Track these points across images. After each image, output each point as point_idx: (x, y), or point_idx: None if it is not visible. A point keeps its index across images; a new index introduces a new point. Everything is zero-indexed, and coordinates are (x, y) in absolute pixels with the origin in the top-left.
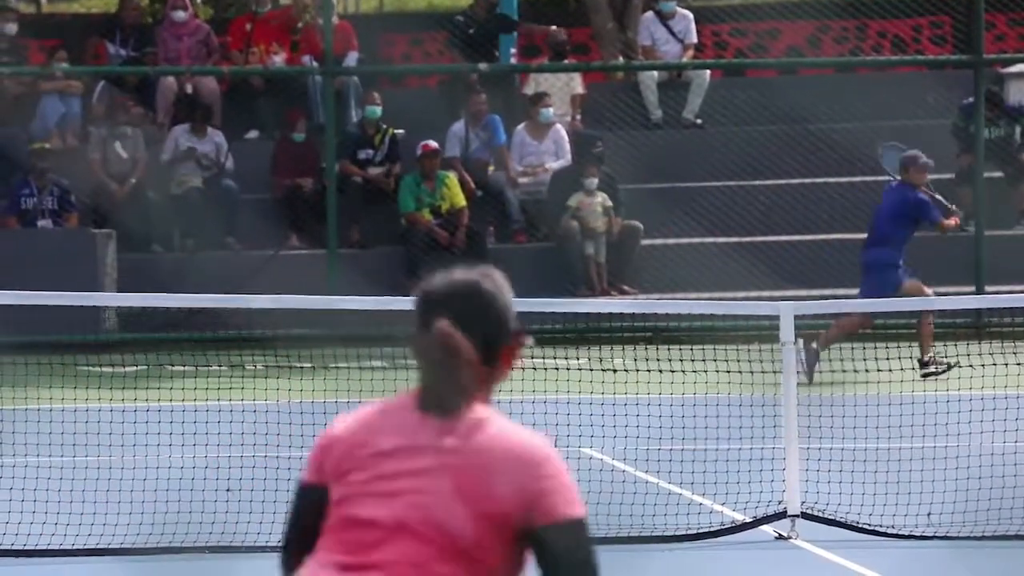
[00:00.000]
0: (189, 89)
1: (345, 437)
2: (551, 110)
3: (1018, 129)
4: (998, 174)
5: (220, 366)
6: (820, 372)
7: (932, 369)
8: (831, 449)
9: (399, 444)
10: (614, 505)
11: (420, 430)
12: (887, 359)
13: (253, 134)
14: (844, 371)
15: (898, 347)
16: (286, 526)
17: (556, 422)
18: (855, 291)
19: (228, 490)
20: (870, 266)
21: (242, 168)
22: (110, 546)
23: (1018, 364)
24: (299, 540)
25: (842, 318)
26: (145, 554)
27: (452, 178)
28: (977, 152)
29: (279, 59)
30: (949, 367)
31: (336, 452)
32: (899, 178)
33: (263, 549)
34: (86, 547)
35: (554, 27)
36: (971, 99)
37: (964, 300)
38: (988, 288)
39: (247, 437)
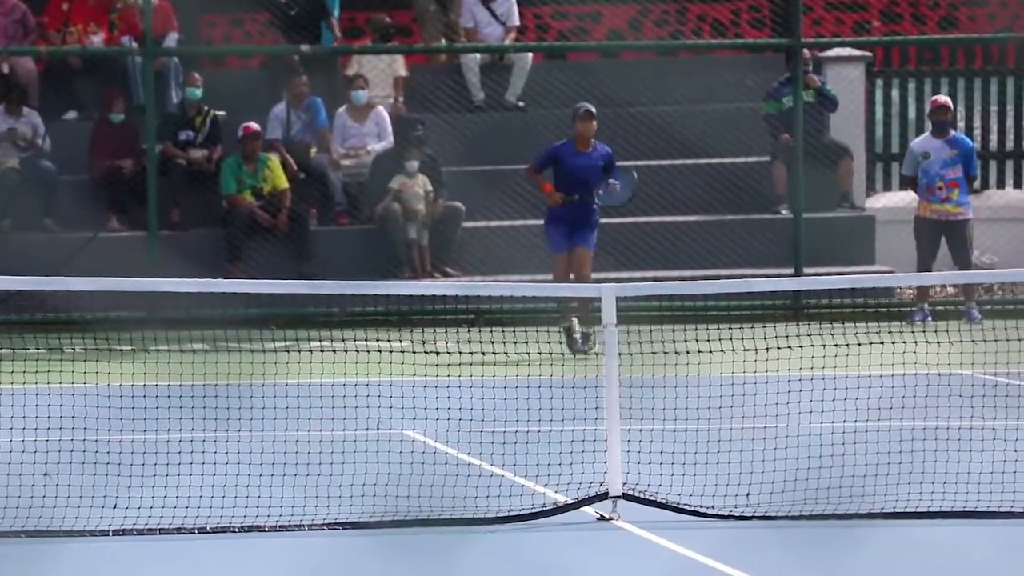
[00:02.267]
0: (5, 69)
1: None
2: (365, 92)
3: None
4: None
5: (38, 349)
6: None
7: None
8: (652, 431)
9: None
10: (436, 487)
11: None
12: (707, 340)
13: (71, 115)
14: (665, 353)
15: (718, 328)
16: None
17: (379, 404)
18: (676, 272)
19: (45, 474)
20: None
21: (60, 149)
22: None
23: (835, 345)
24: None
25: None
26: None
27: (274, 160)
28: (796, 135)
29: (97, 39)
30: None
31: None
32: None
33: (80, 533)
34: None
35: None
36: (776, 82)
37: (783, 282)
38: (806, 270)
39: (65, 420)
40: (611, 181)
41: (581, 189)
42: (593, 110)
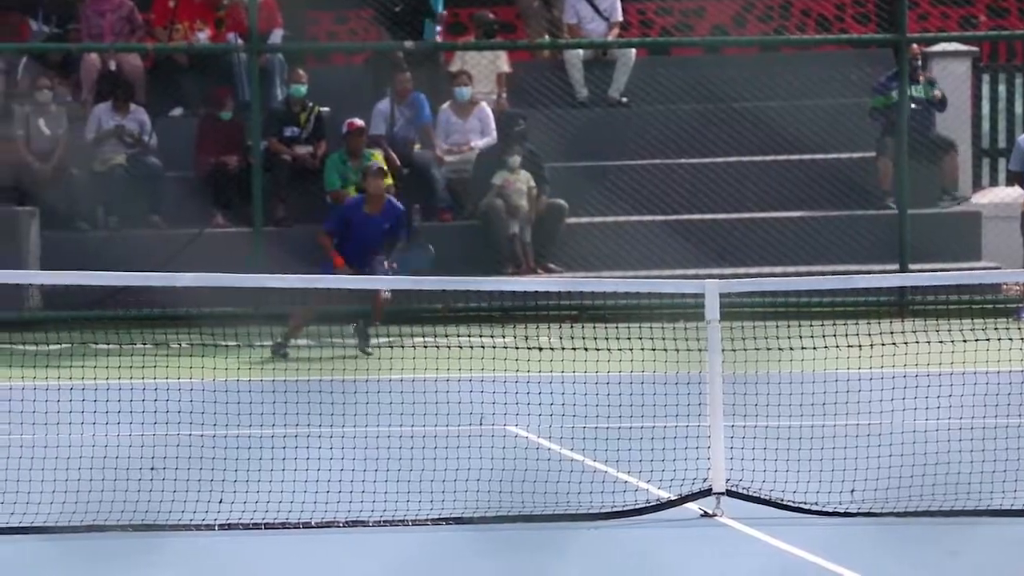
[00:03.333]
0: (112, 66)
1: None
2: (468, 89)
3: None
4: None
5: (144, 344)
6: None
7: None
8: (755, 427)
9: None
10: (540, 483)
11: None
12: (811, 336)
13: (177, 111)
14: (768, 349)
15: (822, 325)
16: None
17: (482, 400)
18: (779, 268)
19: (152, 468)
20: None
21: (166, 146)
22: (33, 524)
23: (940, 342)
24: None
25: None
26: (68, 532)
27: (378, 156)
28: (899, 131)
29: (203, 36)
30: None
31: None
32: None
33: (186, 527)
34: (8, 525)
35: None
36: (884, 77)
37: (888, 278)
38: (912, 266)
39: (171, 415)
40: (400, 248)
41: (364, 254)
42: (384, 168)
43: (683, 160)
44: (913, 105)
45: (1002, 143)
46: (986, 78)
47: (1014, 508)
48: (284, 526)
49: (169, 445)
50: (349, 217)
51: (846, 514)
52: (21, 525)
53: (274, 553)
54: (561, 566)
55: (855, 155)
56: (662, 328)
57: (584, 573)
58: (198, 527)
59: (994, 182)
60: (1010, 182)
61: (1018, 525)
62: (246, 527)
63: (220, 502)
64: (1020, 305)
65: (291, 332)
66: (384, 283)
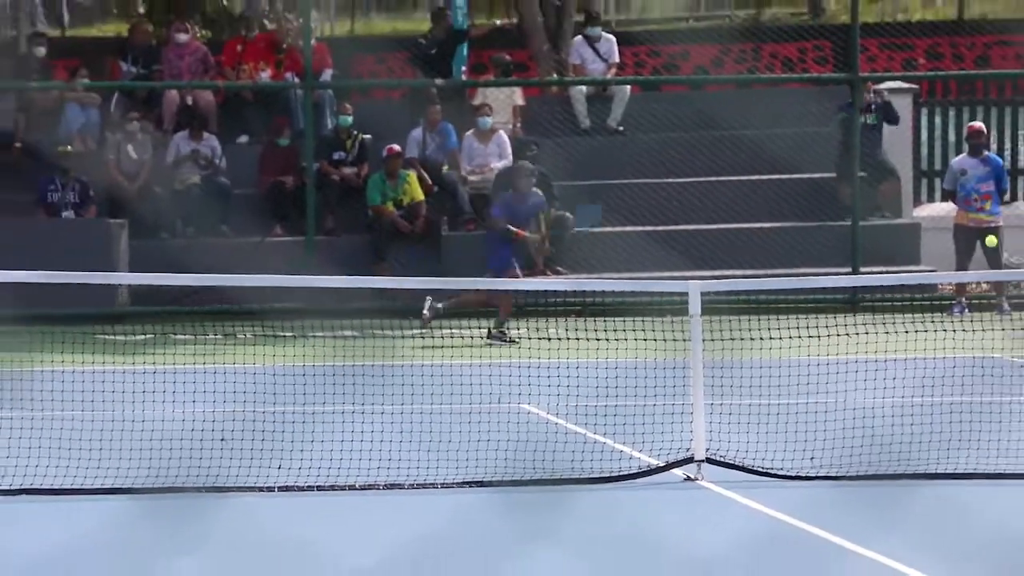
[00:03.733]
0: (189, 101)
1: None
2: (489, 119)
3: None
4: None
5: (216, 335)
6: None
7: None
8: (731, 405)
9: None
10: (549, 452)
11: None
12: (778, 329)
13: (243, 139)
14: (742, 339)
15: (787, 319)
16: None
17: (500, 382)
18: (751, 271)
19: (222, 439)
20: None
21: (234, 168)
22: (122, 486)
23: (886, 334)
24: None
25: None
26: (150, 492)
27: (412, 176)
28: (852, 156)
29: (265, 75)
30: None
31: None
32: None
33: (251, 489)
34: (101, 487)
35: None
36: (843, 103)
37: (842, 279)
38: (862, 269)
39: (237, 395)
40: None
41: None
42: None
43: (671, 179)
44: (870, 122)
45: (938, 166)
46: (925, 111)
47: (947, 472)
48: (332, 488)
49: (236, 420)
50: (512, 204)
51: (807, 477)
52: (112, 487)
53: (324, 512)
54: (567, 523)
55: (816, 175)
56: (652, 322)
57: (585, 529)
58: (260, 489)
59: (931, 199)
60: (944, 199)
61: (951, 487)
62: (300, 489)
63: (279, 468)
64: (952, 302)
65: (501, 317)
66: (416, 283)
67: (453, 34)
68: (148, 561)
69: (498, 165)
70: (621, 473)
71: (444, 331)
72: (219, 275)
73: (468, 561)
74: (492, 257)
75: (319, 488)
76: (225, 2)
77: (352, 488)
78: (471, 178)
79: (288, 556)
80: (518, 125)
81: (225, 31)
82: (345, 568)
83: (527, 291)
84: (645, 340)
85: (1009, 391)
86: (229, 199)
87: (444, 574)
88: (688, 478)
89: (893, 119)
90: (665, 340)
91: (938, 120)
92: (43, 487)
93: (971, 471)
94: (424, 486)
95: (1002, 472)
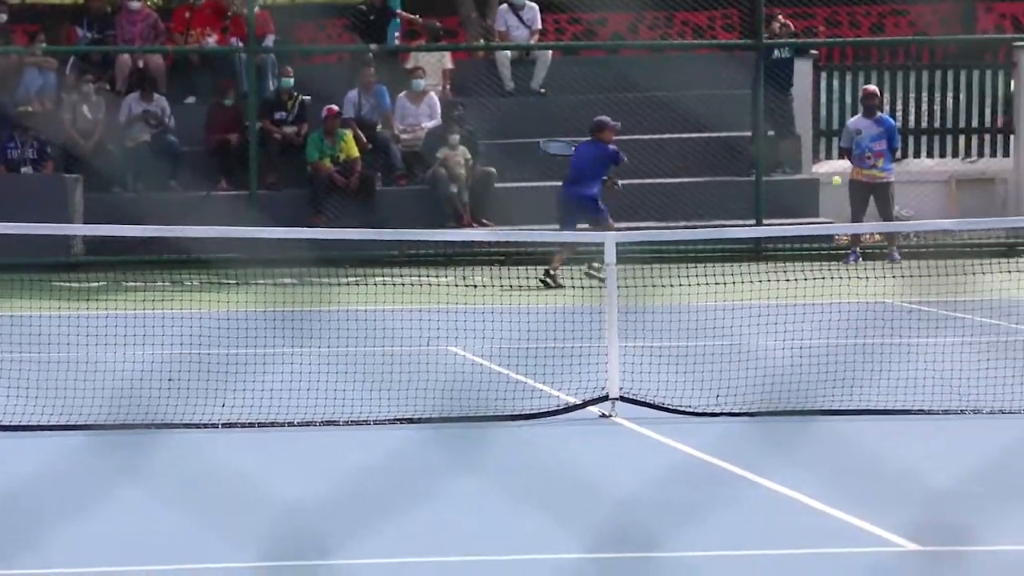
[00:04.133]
0: (141, 64)
1: None
2: (422, 81)
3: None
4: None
5: (164, 282)
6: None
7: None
8: (644, 347)
9: None
10: (474, 392)
11: None
12: (688, 276)
13: (191, 100)
14: (655, 286)
15: (696, 267)
16: None
17: (429, 326)
18: (664, 223)
19: (169, 380)
20: (576, 199)
21: (182, 127)
22: (77, 423)
23: (787, 281)
24: None
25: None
26: (103, 428)
27: (348, 135)
28: (756, 116)
29: (212, 40)
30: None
31: None
32: (569, 152)
33: (197, 426)
34: (59, 423)
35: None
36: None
37: (747, 230)
38: (766, 221)
39: (184, 338)
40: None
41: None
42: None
43: (588, 138)
44: (785, 55)
45: (835, 126)
46: (824, 75)
47: (842, 408)
48: (272, 425)
49: (183, 361)
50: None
51: (713, 414)
52: (68, 423)
53: (264, 446)
54: (491, 456)
55: (724, 134)
56: (571, 270)
57: (508, 462)
58: (205, 426)
59: (829, 156)
60: (840, 156)
61: (844, 422)
62: (242, 426)
63: (223, 406)
64: (848, 252)
65: (554, 265)
66: (351, 235)
67: (387, 3)
68: (102, 491)
69: (428, 124)
70: (541, 410)
71: (378, 279)
72: (168, 226)
73: (399, 492)
74: (590, 208)
75: (260, 424)
76: None
77: (291, 425)
78: (403, 136)
79: (230, 487)
80: (447, 87)
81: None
82: (284, 499)
83: (454, 242)
84: (563, 287)
85: (899, 333)
86: (177, 156)
87: (377, 504)
88: (603, 415)
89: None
90: (583, 287)
91: (836, 83)
92: (5, 424)
93: (862, 407)
94: (358, 422)
95: (889, 408)
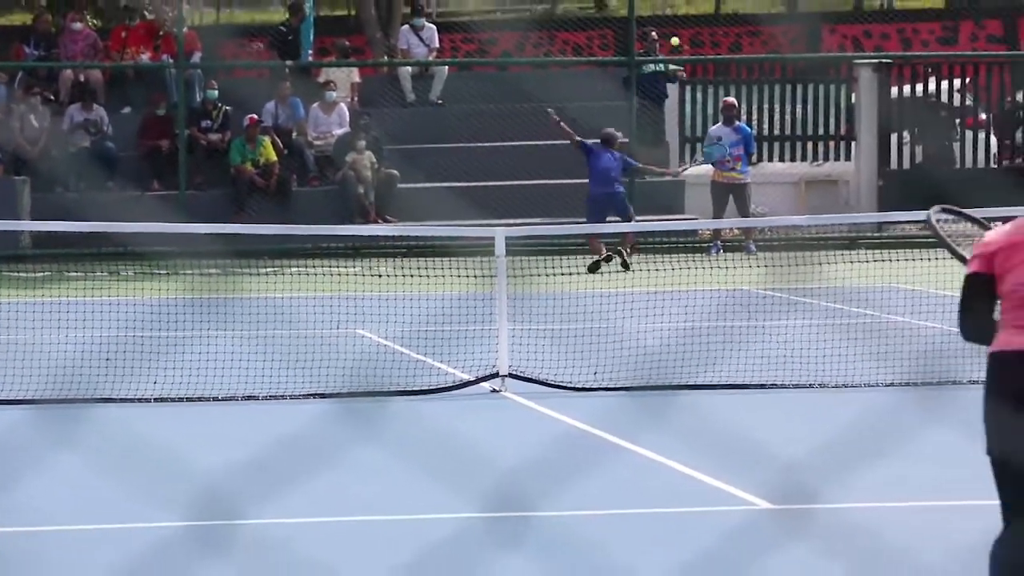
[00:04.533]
0: (82, 78)
1: (1003, 241)
2: (334, 93)
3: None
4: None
5: (104, 273)
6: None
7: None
8: (530, 329)
9: None
10: (379, 369)
11: None
12: (568, 267)
13: (127, 110)
14: (539, 275)
15: (577, 258)
16: (962, 308)
17: (339, 312)
18: (548, 219)
19: (107, 359)
20: (608, 196)
21: (118, 134)
22: (22, 398)
23: (658, 271)
24: (977, 312)
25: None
26: (47, 403)
27: (267, 141)
28: (631, 124)
29: (145, 57)
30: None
31: (1001, 251)
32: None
33: (132, 400)
34: (5, 399)
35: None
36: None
37: (621, 226)
38: (638, 218)
39: (121, 322)
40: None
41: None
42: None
43: (482, 144)
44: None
45: (699, 133)
46: (688, 88)
47: (705, 383)
48: (200, 399)
49: (119, 343)
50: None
51: (593, 389)
52: (13, 399)
53: (192, 418)
54: (393, 428)
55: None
56: (465, 261)
57: (408, 432)
58: (141, 400)
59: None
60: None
61: (707, 396)
62: (173, 400)
63: (155, 383)
64: (710, 245)
65: (595, 253)
66: (269, 230)
67: (302, 23)
68: (45, 458)
69: (338, 132)
70: (439, 386)
71: (293, 269)
72: (106, 223)
73: (310, 460)
74: (620, 204)
75: (188, 399)
76: None
77: (215, 399)
78: (316, 142)
79: (160, 455)
80: (355, 99)
81: (112, 20)
82: (208, 465)
83: (361, 236)
84: (460, 277)
85: (755, 317)
86: (114, 160)
87: (290, 471)
88: (494, 390)
89: (673, 78)
90: (476, 276)
91: (699, 96)
92: None
93: (724, 383)
94: (275, 397)
95: (747, 383)
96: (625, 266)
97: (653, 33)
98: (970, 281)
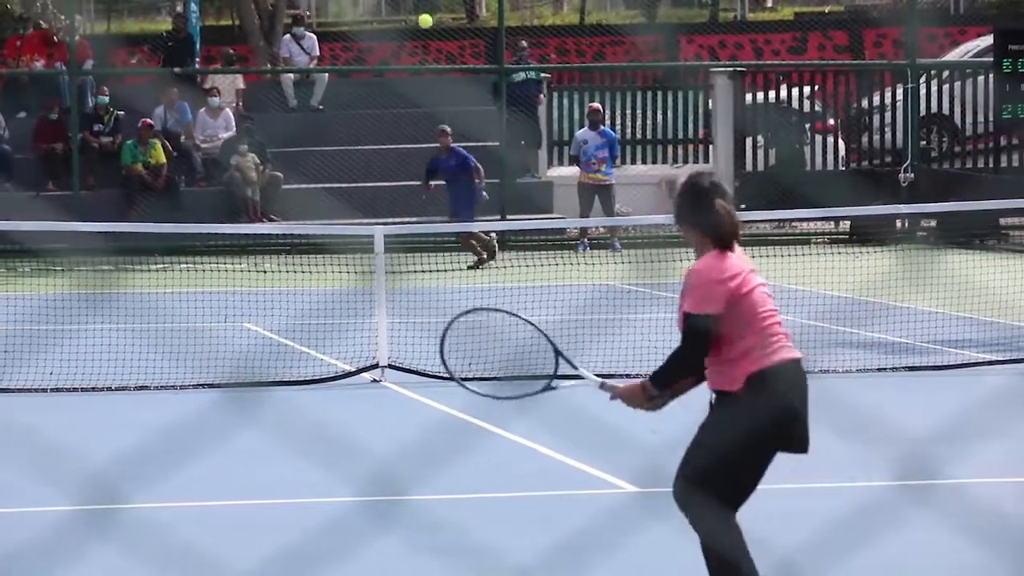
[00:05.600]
0: None
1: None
2: (218, 99)
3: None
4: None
5: (1, 269)
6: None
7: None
8: (409, 322)
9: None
10: (264, 360)
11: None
12: (445, 263)
13: (22, 114)
14: (418, 272)
15: (451, 255)
16: (688, 356)
17: (227, 305)
18: (425, 218)
19: (4, 351)
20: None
21: (14, 137)
22: None
23: (528, 266)
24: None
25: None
26: None
27: (157, 143)
28: (501, 128)
29: (39, 64)
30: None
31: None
32: None
33: (30, 390)
34: None
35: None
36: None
37: (492, 224)
38: (509, 217)
39: (19, 316)
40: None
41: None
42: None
43: (361, 147)
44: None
45: (566, 136)
46: (555, 95)
47: (569, 374)
48: (94, 389)
49: (17, 335)
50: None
51: (466, 379)
52: None
53: (86, 407)
54: (276, 415)
55: (474, 144)
56: (346, 258)
57: (291, 419)
58: (37, 390)
59: (560, 163)
60: (570, 163)
61: (570, 386)
62: (69, 390)
63: (50, 373)
64: (577, 242)
65: (473, 251)
66: (159, 228)
67: (189, 33)
68: None
69: (224, 135)
70: (321, 376)
71: (182, 266)
72: (3, 222)
73: (197, 446)
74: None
75: (83, 389)
76: (8, 5)
77: (109, 389)
78: (203, 145)
79: (54, 441)
80: (240, 104)
81: (7, 29)
82: (100, 451)
83: (247, 234)
84: (341, 273)
85: (619, 310)
86: (10, 162)
87: (178, 455)
88: (374, 380)
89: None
90: (356, 272)
91: (566, 102)
92: None
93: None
94: (166, 387)
95: (612, 372)
96: (480, 263)
97: (523, 42)
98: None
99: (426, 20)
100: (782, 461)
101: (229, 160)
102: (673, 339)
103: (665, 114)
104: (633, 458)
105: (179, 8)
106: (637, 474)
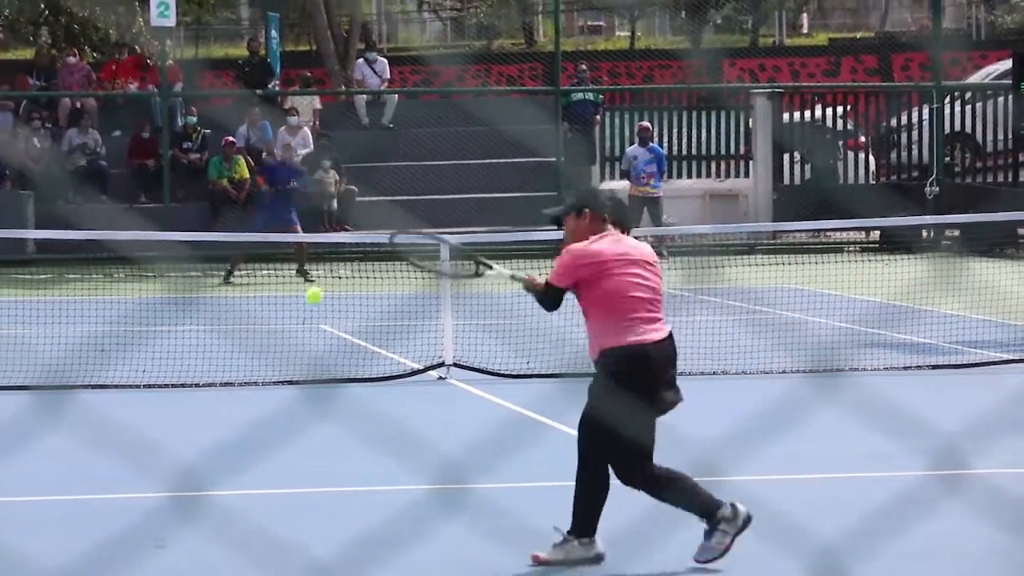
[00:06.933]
0: (78, 105)
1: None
2: (296, 118)
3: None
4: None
5: (98, 275)
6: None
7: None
8: (473, 324)
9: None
10: (341, 358)
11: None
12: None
13: (117, 133)
14: (480, 277)
15: (513, 263)
16: (544, 306)
17: (304, 309)
18: (485, 227)
19: (102, 350)
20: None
21: (110, 154)
22: (28, 384)
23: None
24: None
25: None
26: (47, 388)
27: (241, 160)
28: (557, 146)
29: (133, 87)
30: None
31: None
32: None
33: (118, 386)
34: (12, 384)
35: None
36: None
37: (550, 233)
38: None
39: (114, 318)
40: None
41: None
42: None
43: (429, 162)
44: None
45: (618, 152)
46: (608, 114)
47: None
48: (183, 385)
49: (112, 335)
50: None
51: (527, 375)
52: (21, 384)
53: (176, 402)
54: (352, 409)
55: (533, 160)
56: (417, 265)
57: (364, 413)
58: (130, 386)
59: (612, 177)
60: (621, 177)
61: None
62: (160, 387)
63: (143, 371)
64: None
65: (232, 267)
66: (242, 237)
67: (269, 57)
68: (41, 434)
69: (303, 152)
70: (392, 374)
71: (261, 272)
72: (100, 231)
73: (279, 438)
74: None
75: (173, 386)
76: (106, 32)
77: (197, 386)
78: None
79: (149, 434)
80: (317, 123)
81: (105, 54)
82: (191, 441)
83: (325, 242)
84: (414, 278)
85: (667, 314)
86: (106, 177)
87: (260, 447)
88: (440, 377)
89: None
90: (426, 278)
91: (618, 120)
92: None
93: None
94: (250, 383)
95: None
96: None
97: (583, 65)
98: None
99: (315, 296)
100: (814, 451)
101: (311, 176)
102: (717, 340)
103: (709, 132)
104: (682, 452)
105: (255, 34)
106: (687, 466)
